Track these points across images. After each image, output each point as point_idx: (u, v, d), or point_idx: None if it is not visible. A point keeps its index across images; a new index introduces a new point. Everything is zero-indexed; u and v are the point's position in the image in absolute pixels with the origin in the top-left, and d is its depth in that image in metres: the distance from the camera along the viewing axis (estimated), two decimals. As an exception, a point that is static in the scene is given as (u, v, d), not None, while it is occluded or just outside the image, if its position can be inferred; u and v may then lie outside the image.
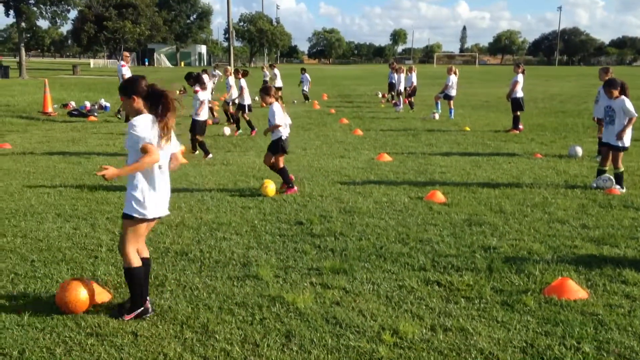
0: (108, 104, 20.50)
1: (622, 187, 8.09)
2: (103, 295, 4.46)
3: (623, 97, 8.05)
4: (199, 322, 4.09)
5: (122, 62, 16.44)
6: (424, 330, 3.99)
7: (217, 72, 24.32)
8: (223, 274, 5.00)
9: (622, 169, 8.14)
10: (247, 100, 14.17)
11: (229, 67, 17.73)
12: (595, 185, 8.30)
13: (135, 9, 60.50)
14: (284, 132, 7.97)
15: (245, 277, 4.93)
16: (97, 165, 9.96)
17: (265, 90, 8.03)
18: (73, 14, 59.13)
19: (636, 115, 7.98)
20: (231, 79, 15.52)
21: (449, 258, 5.42)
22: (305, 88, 24.46)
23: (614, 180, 8.19)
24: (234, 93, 15.22)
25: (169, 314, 4.22)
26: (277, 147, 7.96)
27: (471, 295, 4.58)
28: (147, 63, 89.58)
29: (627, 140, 8.07)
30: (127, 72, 16.56)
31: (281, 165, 8.04)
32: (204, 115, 10.80)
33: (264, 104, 8.10)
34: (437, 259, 5.40)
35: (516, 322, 4.11)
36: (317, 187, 8.41)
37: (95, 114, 18.30)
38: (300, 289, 4.68)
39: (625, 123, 7.99)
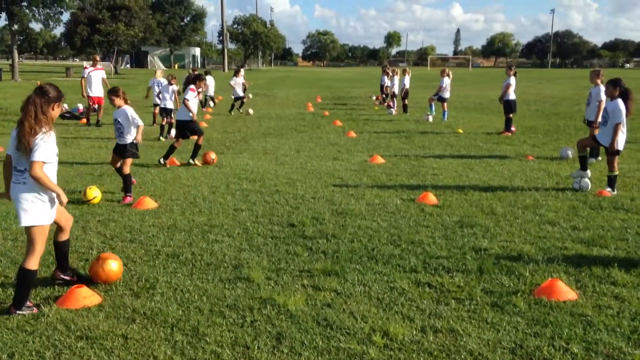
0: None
1: (614, 190, 8.13)
2: (93, 298, 4.45)
3: (619, 100, 8.05)
4: (190, 325, 4.09)
5: (86, 64, 16.40)
6: (414, 332, 4.00)
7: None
8: (214, 277, 5.00)
9: (616, 172, 8.17)
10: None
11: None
12: (574, 186, 8.39)
13: (129, 12, 60.30)
14: (131, 137, 7.73)
15: (237, 280, 4.93)
16: (89, 168, 9.94)
17: (113, 92, 7.71)
18: (66, 16, 58.87)
19: (620, 121, 7.96)
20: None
21: (440, 259, 5.44)
22: (210, 92, 23.62)
23: (588, 182, 8.34)
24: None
25: (160, 316, 4.22)
26: (125, 151, 7.73)
27: (462, 296, 4.60)
28: (129, 65, 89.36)
29: (619, 143, 8.09)
30: (90, 75, 16.16)
31: (127, 171, 7.74)
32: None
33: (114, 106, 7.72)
34: (428, 260, 5.42)
35: (506, 323, 4.13)
36: (309, 189, 8.42)
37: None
38: (291, 291, 4.68)
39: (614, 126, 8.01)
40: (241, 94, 20.69)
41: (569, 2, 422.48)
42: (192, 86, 10.60)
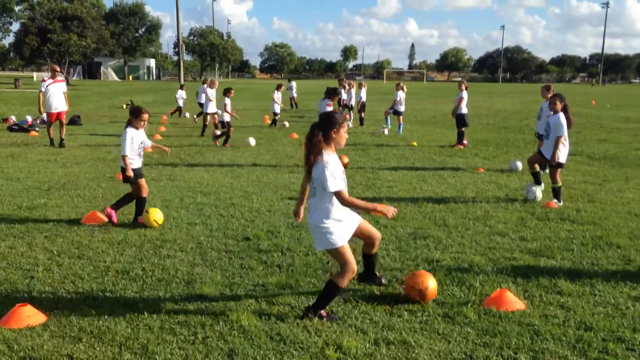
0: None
1: (560, 201, 8.40)
2: (38, 317, 4.28)
3: (561, 114, 8.34)
4: (139, 343, 3.98)
5: (46, 77, 14.46)
6: (367, 345, 4.01)
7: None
8: (165, 293, 4.90)
9: (559, 183, 8.44)
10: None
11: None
12: (527, 196, 8.66)
13: (81, 22, 59.00)
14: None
15: (189, 296, 4.84)
16: (37, 182, 9.62)
17: (145, 111, 7.05)
18: (16, 26, 57.23)
19: (562, 134, 8.23)
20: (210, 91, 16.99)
21: (394, 272, 5.48)
22: (180, 103, 24.48)
23: (539, 192, 8.59)
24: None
25: (107, 335, 4.09)
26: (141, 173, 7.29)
27: (414, 308, 4.64)
28: (81, 77, 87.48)
29: (562, 156, 8.37)
30: (49, 89, 13.97)
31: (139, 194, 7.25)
32: None
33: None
34: (382, 272, 5.45)
35: (456, 334, 4.19)
36: (265, 202, 8.37)
37: (37, 128, 17.69)
38: (245, 306, 4.63)
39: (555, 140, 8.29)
40: (277, 110, 20.52)
41: (519, 19, 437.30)
42: (329, 101, 11.32)
